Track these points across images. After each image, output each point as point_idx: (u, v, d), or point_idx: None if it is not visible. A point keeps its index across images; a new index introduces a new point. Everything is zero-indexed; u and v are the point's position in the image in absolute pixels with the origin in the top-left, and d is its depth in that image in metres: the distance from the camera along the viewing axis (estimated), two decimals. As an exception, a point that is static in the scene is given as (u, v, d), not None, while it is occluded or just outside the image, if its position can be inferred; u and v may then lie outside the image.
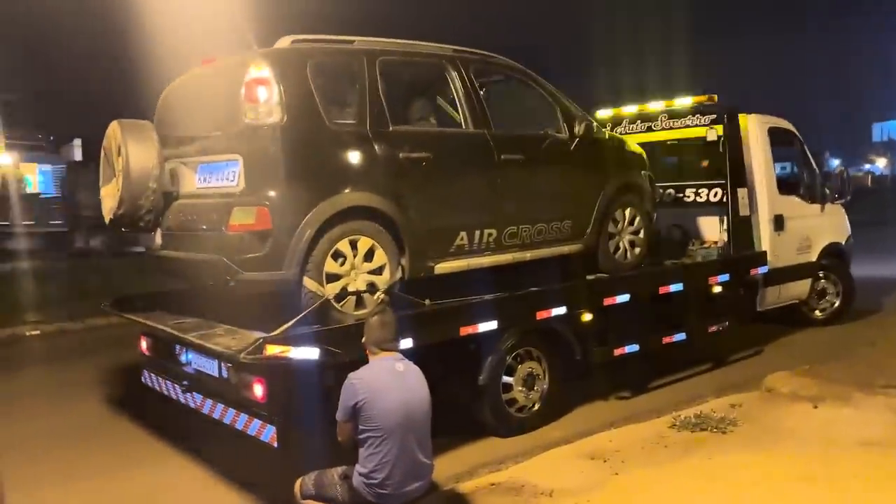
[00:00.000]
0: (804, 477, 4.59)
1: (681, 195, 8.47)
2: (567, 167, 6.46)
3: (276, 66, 4.85)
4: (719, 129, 8.08)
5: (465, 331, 5.48)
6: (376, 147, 5.15)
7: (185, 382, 5.50)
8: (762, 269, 8.27)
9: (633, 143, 7.43)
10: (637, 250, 6.99)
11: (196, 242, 5.15)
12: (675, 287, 7.18)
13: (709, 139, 8.16)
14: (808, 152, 9.52)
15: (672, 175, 8.58)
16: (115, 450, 5.94)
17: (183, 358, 5.58)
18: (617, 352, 6.70)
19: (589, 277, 6.66)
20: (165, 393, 5.83)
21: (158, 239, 5.54)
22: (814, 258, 9.31)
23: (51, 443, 6.10)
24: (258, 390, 4.72)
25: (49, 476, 5.37)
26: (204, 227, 5.05)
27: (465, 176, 5.73)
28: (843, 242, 9.84)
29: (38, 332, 11.07)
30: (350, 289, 5.00)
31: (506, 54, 6.40)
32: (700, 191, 8.37)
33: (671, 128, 8.54)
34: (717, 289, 7.70)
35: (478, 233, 5.68)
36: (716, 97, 8.28)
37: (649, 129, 8.71)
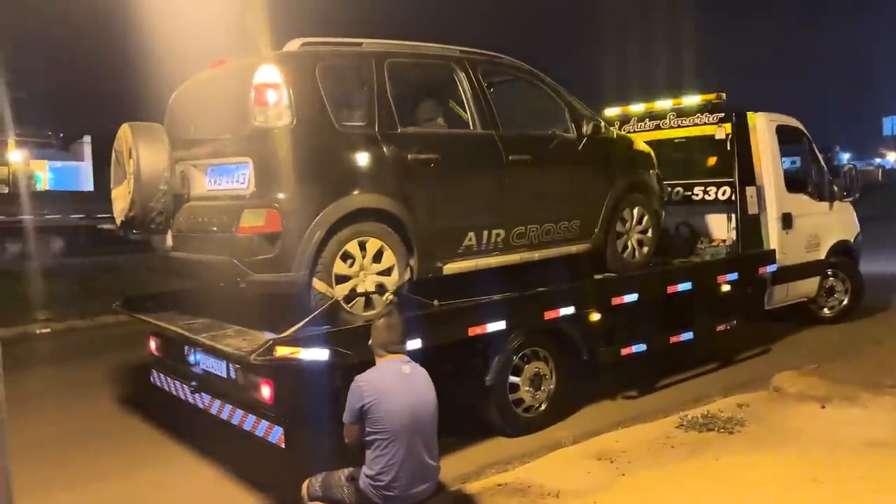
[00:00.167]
0: (811, 478, 4.61)
1: (689, 193, 8.46)
2: (575, 167, 6.48)
3: (285, 69, 4.88)
4: (728, 127, 8.08)
5: (474, 331, 5.50)
6: (385, 149, 5.18)
7: (193, 383, 5.53)
8: (771, 268, 8.25)
9: (641, 141, 7.44)
10: (645, 249, 6.99)
11: (206, 244, 5.18)
12: (684, 286, 7.17)
13: (717, 137, 8.15)
14: (816, 150, 9.50)
15: (680, 173, 8.57)
16: (124, 450, 5.99)
17: (191, 358, 5.61)
18: (624, 351, 6.71)
19: (597, 277, 6.68)
20: (174, 393, 5.88)
21: (169, 240, 5.58)
22: (822, 256, 9.28)
23: (60, 444, 6.14)
24: (266, 392, 4.75)
25: (59, 479, 5.41)
26: (214, 228, 5.08)
27: (474, 177, 5.75)
28: (852, 240, 9.81)
29: (48, 329, 11.16)
30: (359, 290, 5.03)
31: (505, 51, 6.41)
32: (708, 189, 8.35)
33: (679, 126, 8.53)
34: (726, 287, 7.70)
35: (486, 233, 5.70)
36: (724, 95, 8.27)
37: (657, 128, 8.71)
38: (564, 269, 6.42)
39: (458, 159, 5.67)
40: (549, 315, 6.01)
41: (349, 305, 4.98)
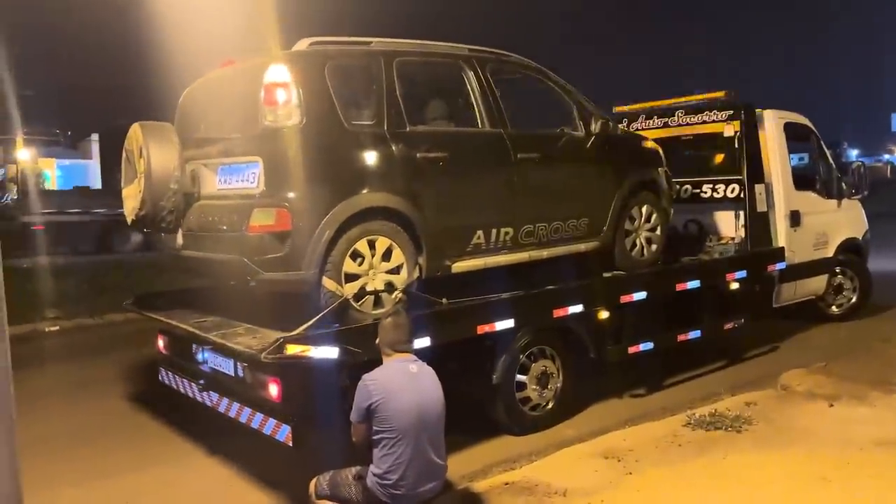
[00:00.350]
0: (819, 477, 4.61)
1: (697, 191, 8.44)
2: (583, 165, 6.48)
3: (294, 68, 4.90)
4: (736, 124, 8.06)
5: (482, 329, 5.51)
6: (394, 147, 5.19)
7: (201, 381, 5.57)
8: (780, 266, 8.25)
9: (650, 139, 7.43)
10: (654, 247, 6.99)
11: (217, 243, 5.20)
12: (692, 284, 7.17)
13: (725, 135, 8.13)
14: (824, 147, 9.48)
15: (689, 171, 8.56)
16: (133, 447, 6.01)
17: (199, 356, 5.64)
18: (632, 349, 6.70)
19: (606, 275, 6.68)
20: (182, 391, 5.90)
21: (180, 239, 5.60)
22: (830, 254, 9.27)
23: (69, 441, 6.18)
24: (273, 390, 4.78)
25: (68, 474, 5.44)
26: (224, 227, 5.10)
27: (482, 175, 5.76)
28: (861, 238, 9.80)
29: (56, 327, 11.21)
30: (368, 288, 5.05)
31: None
32: (717, 187, 8.33)
33: (688, 123, 8.51)
34: (734, 285, 7.69)
35: (494, 231, 5.71)
36: (732, 92, 8.26)
37: (666, 125, 8.69)
38: (573, 267, 6.42)
39: (467, 158, 5.68)
40: (558, 313, 6.01)
41: (358, 304, 5.00)
